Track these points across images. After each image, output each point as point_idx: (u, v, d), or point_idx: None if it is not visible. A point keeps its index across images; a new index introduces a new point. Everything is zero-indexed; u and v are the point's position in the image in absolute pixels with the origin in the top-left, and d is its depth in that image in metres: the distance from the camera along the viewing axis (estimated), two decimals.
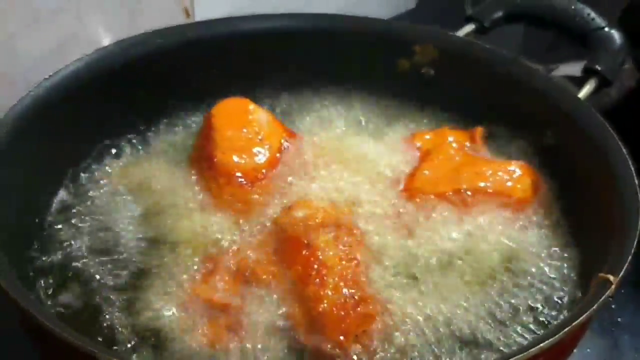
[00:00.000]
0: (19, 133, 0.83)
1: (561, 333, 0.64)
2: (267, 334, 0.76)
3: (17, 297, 0.65)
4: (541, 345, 0.63)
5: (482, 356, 0.74)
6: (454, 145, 0.97)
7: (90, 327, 0.76)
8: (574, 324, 0.64)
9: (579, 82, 0.96)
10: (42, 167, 0.88)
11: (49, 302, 0.78)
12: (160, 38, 1.00)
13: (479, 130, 0.98)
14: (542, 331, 0.76)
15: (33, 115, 0.86)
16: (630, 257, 0.69)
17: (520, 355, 0.62)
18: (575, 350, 0.87)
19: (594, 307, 0.65)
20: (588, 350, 0.93)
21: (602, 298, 0.66)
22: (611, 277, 0.67)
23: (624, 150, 0.81)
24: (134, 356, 0.73)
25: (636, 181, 0.77)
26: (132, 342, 0.74)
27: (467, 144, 0.98)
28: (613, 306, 0.98)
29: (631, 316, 0.98)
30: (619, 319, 0.97)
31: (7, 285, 0.66)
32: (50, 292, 0.80)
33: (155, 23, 1.01)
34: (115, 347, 0.74)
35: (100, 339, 0.75)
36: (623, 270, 0.67)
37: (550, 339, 0.63)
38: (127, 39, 0.98)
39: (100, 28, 1.14)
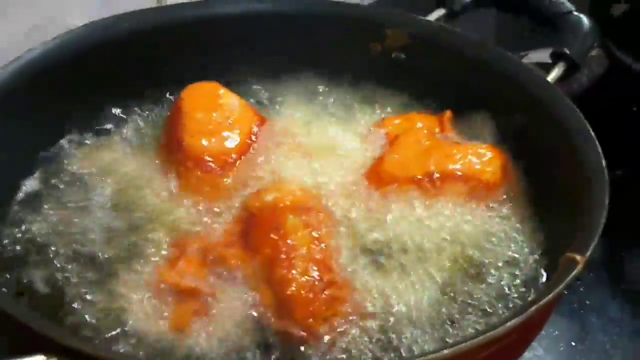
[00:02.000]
0: None
1: (527, 312, 0.64)
2: (235, 319, 0.75)
3: None
4: (507, 324, 0.63)
5: (451, 337, 0.74)
6: (424, 130, 0.97)
7: (55, 312, 0.75)
8: (540, 303, 0.64)
9: (549, 68, 0.97)
10: (8, 152, 0.86)
11: (14, 289, 0.77)
12: (130, 21, 0.99)
13: (447, 114, 0.98)
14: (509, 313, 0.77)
15: None
16: (597, 237, 0.69)
17: (487, 334, 0.62)
18: (543, 332, 0.88)
19: (561, 286, 0.66)
20: (556, 332, 0.94)
21: (569, 277, 0.66)
22: (578, 257, 0.68)
23: (592, 132, 0.82)
24: (99, 341, 0.72)
25: (604, 163, 0.78)
26: (98, 328, 0.73)
27: (437, 129, 0.98)
28: (581, 289, 0.99)
29: (599, 298, 0.99)
30: (587, 302, 0.98)
31: None
32: (14, 277, 0.78)
33: (129, 7, 1.00)
34: (80, 333, 0.73)
35: (65, 324, 0.74)
36: (590, 249, 0.68)
37: (516, 319, 0.63)
38: (96, 21, 0.97)
39: (75, 12, 1.12)
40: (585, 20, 0.98)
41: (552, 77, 0.93)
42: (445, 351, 0.61)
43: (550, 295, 0.65)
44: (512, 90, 0.94)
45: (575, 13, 0.98)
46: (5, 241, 0.83)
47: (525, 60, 1.20)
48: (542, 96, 0.89)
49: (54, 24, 1.07)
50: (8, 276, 0.79)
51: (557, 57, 0.95)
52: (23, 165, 0.90)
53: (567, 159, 0.83)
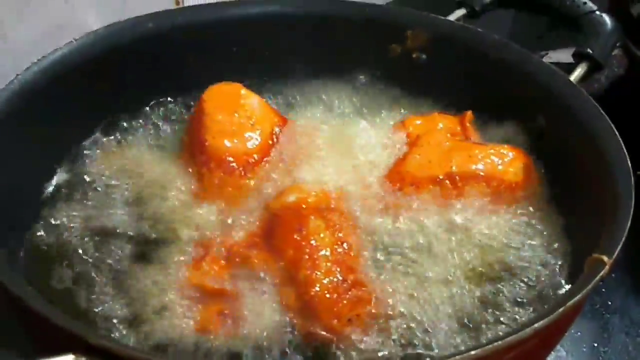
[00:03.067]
0: (6, 118, 0.82)
1: (555, 314, 0.63)
2: (258, 319, 0.75)
3: (6, 281, 0.65)
4: (535, 326, 0.62)
5: (477, 338, 0.74)
6: (445, 130, 0.97)
7: (80, 311, 0.75)
8: (568, 304, 0.64)
9: (570, 68, 0.96)
10: (32, 152, 0.87)
11: (39, 285, 0.77)
12: (150, 23, 0.99)
13: (468, 115, 0.97)
14: (534, 314, 0.76)
15: (21, 100, 0.85)
16: (623, 238, 0.69)
17: (515, 335, 0.62)
18: (566, 334, 0.88)
19: (588, 288, 0.65)
20: (579, 333, 0.93)
21: (596, 279, 0.66)
22: (605, 258, 0.67)
23: (617, 133, 0.81)
24: (123, 339, 0.72)
25: (629, 163, 0.77)
26: (122, 326, 0.74)
27: (458, 129, 0.97)
28: (604, 290, 0.99)
29: (622, 299, 0.98)
30: (609, 303, 0.98)
31: None
32: (40, 274, 0.79)
33: (146, 9, 1.00)
34: (105, 331, 0.73)
35: (90, 322, 0.74)
36: (617, 250, 0.67)
37: (544, 320, 0.63)
38: (116, 23, 0.97)
39: (91, 14, 1.13)
40: (607, 19, 0.97)
41: (574, 77, 0.93)
42: (472, 352, 0.61)
43: (578, 297, 0.65)
44: (535, 91, 0.93)
45: (598, 12, 0.97)
46: (31, 238, 0.84)
47: (544, 60, 1.19)
48: (566, 97, 0.89)
49: (71, 26, 1.08)
50: (33, 273, 0.79)
51: (580, 57, 0.94)
52: (47, 165, 0.91)
53: (591, 160, 0.82)
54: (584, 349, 0.92)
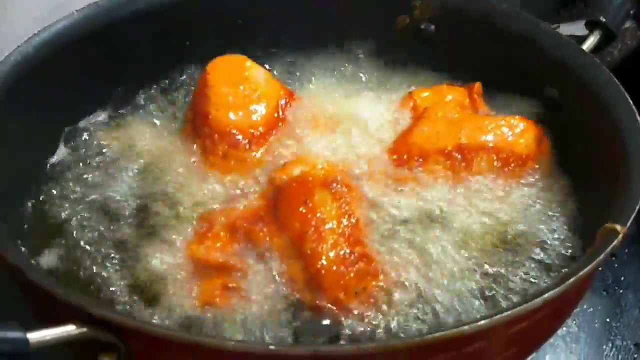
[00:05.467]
0: (6, 91, 0.81)
1: (566, 284, 0.62)
2: (264, 293, 0.74)
3: (7, 254, 0.64)
4: (545, 296, 0.61)
5: (484, 311, 0.73)
6: (453, 102, 0.95)
7: (84, 284, 0.75)
8: (579, 274, 0.62)
9: (582, 41, 0.94)
10: (35, 125, 0.86)
11: (43, 258, 0.77)
12: None
13: (477, 86, 0.95)
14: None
15: (21, 72, 0.84)
16: (637, 207, 0.67)
17: (525, 305, 0.60)
18: (577, 309, 0.86)
19: (601, 257, 0.64)
20: (591, 309, 0.92)
21: (610, 247, 0.64)
22: (618, 227, 0.66)
23: (630, 101, 0.79)
24: (128, 312, 0.72)
25: None
26: (127, 299, 0.73)
27: (467, 101, 0.95)
28: (616, 265, 0.97)
29: (634, 274, 0.97)
30: (622, 278, 0.96)
31: None
32: (42, 248, 0.78)
33: None
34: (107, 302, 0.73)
35: (95, 295, 0.74)
36: (630, 219, 0.66)
37: (555, 290, 0.61)
38: None
39: None
40: None
41: (586, 46, 0.91)
42: (482, 322, 0.59)
43: (589, 267, 0.63)
44: (546, 60, 0.91)
45: None
46: (32, 214, 0.83)
47: None
48: (578, 66, 0.87)
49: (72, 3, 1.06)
50: (36, 247, 0.79)
51: (592, 26, 0.92)
52: (50, 140, 0.90)
53: (604, 129, 0.80)
54: (597, 324, 0.91)
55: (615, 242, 0.65)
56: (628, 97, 0.80)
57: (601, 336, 0.90)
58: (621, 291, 0.95)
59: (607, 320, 0.91)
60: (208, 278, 0.76)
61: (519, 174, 0.86)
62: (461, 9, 0.99)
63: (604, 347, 0.88)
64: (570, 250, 0.79)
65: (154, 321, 0.70)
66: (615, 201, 0.71)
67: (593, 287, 0.93)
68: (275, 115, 0.92)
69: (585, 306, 0.91)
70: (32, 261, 0.72)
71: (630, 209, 0.67)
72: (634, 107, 0.79)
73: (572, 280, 0.62)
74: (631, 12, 0.93)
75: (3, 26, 1.04)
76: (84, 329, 0.57)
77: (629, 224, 0.66)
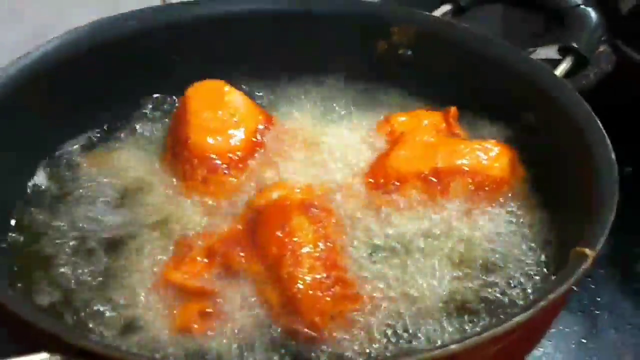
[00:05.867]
0: None
1: (537, 307, 0.63)
2: (241, 318, 0.74)
3: None
4: (517, 319, 0.62)
5: (462, 333, 0.74)
6: (430, 127, 0.96)
7: (60, 311, 0.75)
8: (549, 297, 0.63)
9: (557, 64, 0.96)
10: (15, 150, 0.86)
11: (17, 284, 0.77)
12: (135, 20, 0.99)
13: (453, 110, 0.96)
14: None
15: (1, 96, 0.84)
16: (607, 231, 0.68)
17: (497, 329, 0.61)
18: (553, 330, 0.87)
19: (571, 281, 0.65)
20: (567, 330, 0.93)
21: (579, 271, 0.65)
22: (587, 251, 0.67)
23: (602, 127, 0.81)
24: (104, 339, 0.72)
25: (613, 156, 0.77)
26: (102, 328, 0.73)
27: (443, 125, 0.97)
28: (592, 286, 0.98)
29: (610, 295, 0.98)
30: (598, 299, 0.97)
31: None
32: (16, 273, 0.79)
33: (135, 6, 0.99)
34: (84, 332, 0.72)
35: (71, 323, 0.74)
36: (600, 243, 0.67)
37: (526, 313, 0.62)
38: (101, 19, 0.97)
39: (81, 12, 1.11)
40: (592, 13, 0.97)
41: (559, 71, 0.92)
42: (453, 346, 0.60)
43: (560, 289, 0.64)
44: (521, 85, 0.92)
45: (583, 6, 0.97)
46: (11, 236, 0.83)
47: (532, 57, 1.19)
48: (551, 90, 0.88)
49: (61, 24, 1.06)
50: (10, 271, 0.79)
51: (565, 52, 0.94)
52: (30, 164, 0.90)
53: (576, 154, 0.82)
54: (573, 345, 0.92)
55: (585, 266, 0.66)
56: (598, 120, 0.82)
57: (577, 357, 0.91)
58: (597, 312, 0.96)
59: (584, 340, 0.92)
60: (185, 303, 0.76)
61: (494, 197, 0.87)
62: (438, 35, 1.01)
63: None
64: (544, 272, 0.80)
65: (128, 349, 0.70)
66: (587, 225, 0.72)
67: (569, 308, 0.94)
68: (254, 139, 0.92)
69: (561, 327, 0.92)
70: (4, 286, 0.72)
71: (600, 233, 0.68)
72: (604, 131, 0.80)
73: (543, 303, 0.63)
74: (603, 38, 0.95)
75: None
76: (57, 357, 0.57)
77: (598, 248, 0.67)
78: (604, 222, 0.69)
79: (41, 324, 0.59)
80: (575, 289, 0.68)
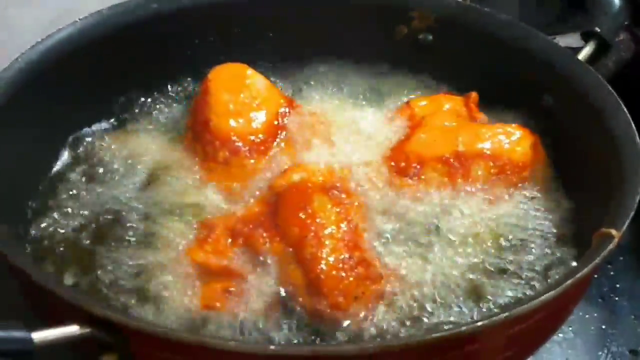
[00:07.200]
0: (10, 98, 0.82)
1: (563, 286, 0.63)
2: (264, 297, 0.75)
3: (10, 254, 0.65)
4: (542, 298, 0.62)
5: (484, 312, 0.74)
6: (450, 111, 0.96)
7: (86, 287, 0.75)
8: (576, 276, 0.63)
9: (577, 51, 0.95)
10: (39, 133, 0.87)
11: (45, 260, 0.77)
12: (156, 3, 0.99)
13: (473, 95, 0.96)
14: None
15: (24, 80, 0.85)
16: (632, 212, 0.68)
17: (522, 307, 0.61)
18: (573, 316, 0.87)
19: (597, 261, 0.65)
20: (587, 316, 0.93)
21: (605, 251, 0.65)
22: (613, 232, 0.67)
23: (625, 109, 0.81)
24: (130, 315, 0.72)
25: (637, 138, 0.77)
26: (130, 302, 0.74)
27: (464, 110, 0.97)
28: (612, 273, 0.98)
29: (630, 282, 0.98)
30: (618, 285, 0.97)
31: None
32: (44, 253, 0.79)
33: None
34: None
35: (98, 297, 0.74)
36: (625, 223, 0.67)
37: (552, 292, 0.62)
38: (121, 3, 0.97)
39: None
40: None
41: (582, 56, 0.92)
42: (479, 324, 0.60)
43: (585, 270, 0.64)
44: (542, 69, 0.92)
45: None
46: (36, 217, 0.84)
47: None
48: (573, 74, 0.88)
49: (84, 8, 1.07)
50: (38, 251, 0.80)
51: (587, 37, 0.94)
52: (51, 148, 0.91)
53: (599, 137, 0.81)
54: (592, 331, 0.92)
55: (610, 246, 0.66)
56: (622, 104, 0.81)
57: (597, 342, 0.90)
58: (616, 298, 0.96)
59: (603, 327, 0.92)
60: (208, 282, 0.76)
61: (515, 181, 0.87)
62: (458, 19, 1.01)
63: (600, 353, 0.89)
64: (566, 256, 0.80)
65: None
66: (610, 207, 0.72)
67: (589, 295, 0.94)
68: (276, 122, 0.93)
69: (581, 313, 0.92)
70: (34, 263, 0.72)
71: (625, 214, 0.68)
72: (627, 113, 0.80)
73: (569, 282, 0.63)
74: (625, 23, 0.95)
75: (6, 34, 1.05)
76: (87, 330, 0.58)
77: (624, 228, 0.67)
78: (629, 203, 0.69)
79: (72, 298, 0.59)
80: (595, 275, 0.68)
